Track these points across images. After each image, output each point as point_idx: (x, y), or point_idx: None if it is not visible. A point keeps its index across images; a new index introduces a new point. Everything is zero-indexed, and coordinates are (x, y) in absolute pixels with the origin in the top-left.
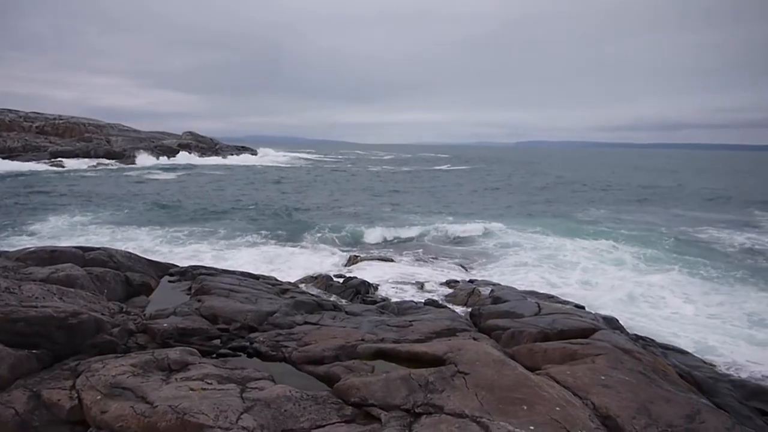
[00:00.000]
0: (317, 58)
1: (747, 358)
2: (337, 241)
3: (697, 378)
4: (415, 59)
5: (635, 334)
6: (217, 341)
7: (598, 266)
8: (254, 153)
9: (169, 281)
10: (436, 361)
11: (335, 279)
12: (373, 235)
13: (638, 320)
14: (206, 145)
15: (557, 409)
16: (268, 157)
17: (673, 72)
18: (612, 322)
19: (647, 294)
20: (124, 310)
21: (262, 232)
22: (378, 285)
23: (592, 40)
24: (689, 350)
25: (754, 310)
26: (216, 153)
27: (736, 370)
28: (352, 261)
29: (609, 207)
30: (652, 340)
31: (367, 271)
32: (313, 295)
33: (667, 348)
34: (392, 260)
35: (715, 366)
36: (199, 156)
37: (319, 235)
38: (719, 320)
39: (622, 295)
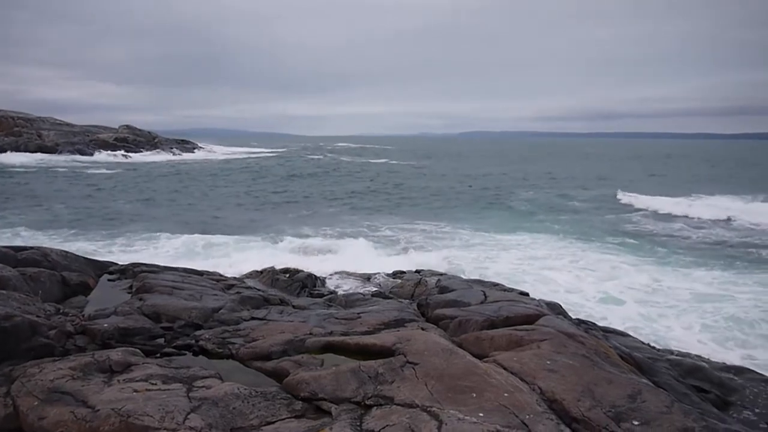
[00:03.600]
0: (260, 49)
1: (682, 337)
2: (283, 236)
3: (637, 359)
4: (358, 50)
5: (578, 319)
6: (161, 340)
7: (537, 253)
8: (196, 148)
9: (109, 280)
10: (385, 353)
11: (281, 273)
12: (319, 228)
13: (581, 303)
14: (144, 139)
15: (505, 395)
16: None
17: (606, 63)
18: (555, 308)
19: (585, 275)
20: (61, 311)
21: (206, 228)
22: (325, 278)
23: (528, 33)
24: (629, 331)
25: (690, 291)
26: (155, 147)
27: (674, 348)
28: (300, 254)
29: (546, 194)
30: (594, 323)
31: (313, 265)
32: (259, 290)
33: (608, 331)
34: (338, 253)
35: (654, 346)
36: (127, 153)
37: (266, 230)
38: (654, 301)
39: (560, 278)
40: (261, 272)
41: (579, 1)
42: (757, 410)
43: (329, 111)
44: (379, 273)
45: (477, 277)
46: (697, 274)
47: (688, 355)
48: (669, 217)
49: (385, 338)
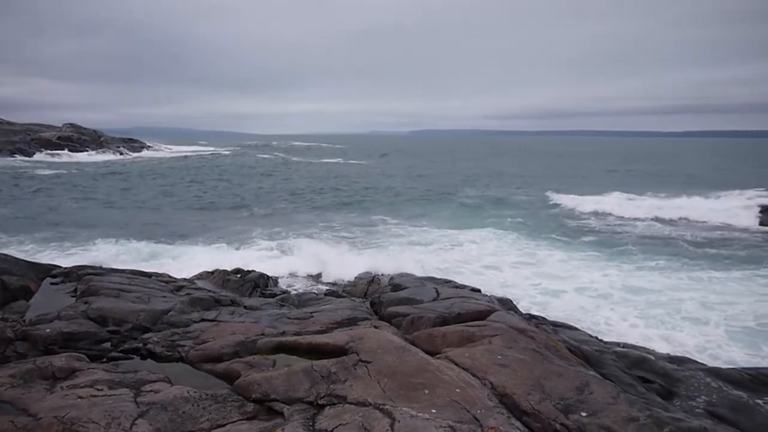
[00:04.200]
0: (210, 46)
1: (619, 327)
2: (234, 236)
3: (585, 352)
4: (310, 48)
5: (528, 314)
6: (108, 344)
7: (486, 248)
8: (144, 147)
9: (52, 283)
10: (337, 352)
11: (232, 274)
12: (272, 228)
13: (525, 296)
14: (89, 138)
15: (457, 390)
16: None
17: (557, 62)
18: (506, 303)
19: (528, 269)
20: (0, 317)
21: (153, 230)
22: (277, 278)
23: (480, 32)
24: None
25: (623, 283)
26: (101, 146)
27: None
28: (252, 254)
29: (494, 191)
30: (544, 318)
31: (266, 265)
32: (209, 291)
33: (557, 325)
34: (291, 252)
35: (601, 339)
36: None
37: (216, 231)
38: (592, 290)
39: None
40: (212, 273)
41: (530, 1)
42: (699, 399)
43: (281, 109)
44: (332, 272)
45: (430, 275)
46: (630, 268)
47: (633, 347)
48: (606, 214)
49: (338, 337)
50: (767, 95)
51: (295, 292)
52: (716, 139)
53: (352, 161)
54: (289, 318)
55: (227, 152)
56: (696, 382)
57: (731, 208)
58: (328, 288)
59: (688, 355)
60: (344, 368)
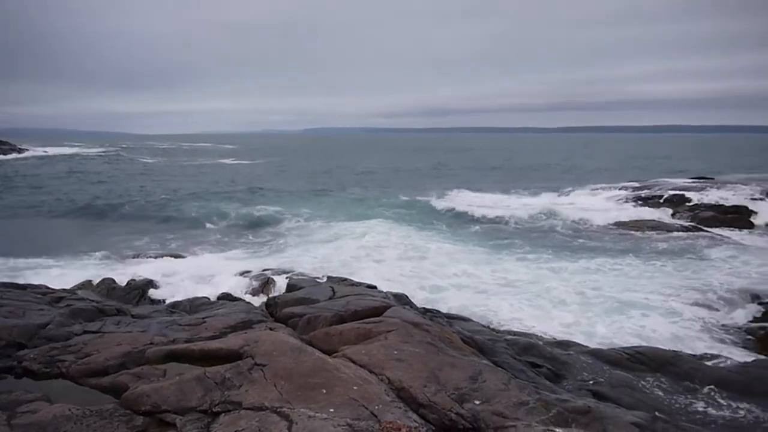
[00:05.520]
0: (85, 39)
1: (505, 313)
2: (120, 244)
3: (478, 341)
4: (193, 43)
5: (424, 308)
6: None
7: (373, 241)
8: (13, 150)
9: None
10: (232, 357)
11: (118, 281)
12: (161, 234)
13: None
14: None
15: (355, 388)
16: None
17: (441, 62)
18: (402, 299)
19: (415, 263)
20: None
21: (22, 240)
22: (167, 283)
23: (371, 30)
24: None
25: (515, 273)
26: None
27: (507, 327)
28: (137, 261)
29: (384, 187)
30: (439, 311)
31: (153, 270)
32: (93, 300)
33: (451, 317)
34: (182, 255)
35: (493, 328)
36: None
37: (101, 240)
38: (476, 282)
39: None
40: (95, 282)
41: (416, 1)
42: (582, 378)
43: (166, 108)
44: (226, 274)
45: (325, 272)
46: (512, 259)
47: (523, 334)
48: (489, 208)
49: (232, 341)
50: (628, 93)
51: (186, 297)
52: (585, 134)
53: (243, 161)
54: (180, 324)
55: (106, 153)
56: (580, 364)
57: (601, 202)
58: (221, 292)
59: (568, 336)
60: (239, 373)
